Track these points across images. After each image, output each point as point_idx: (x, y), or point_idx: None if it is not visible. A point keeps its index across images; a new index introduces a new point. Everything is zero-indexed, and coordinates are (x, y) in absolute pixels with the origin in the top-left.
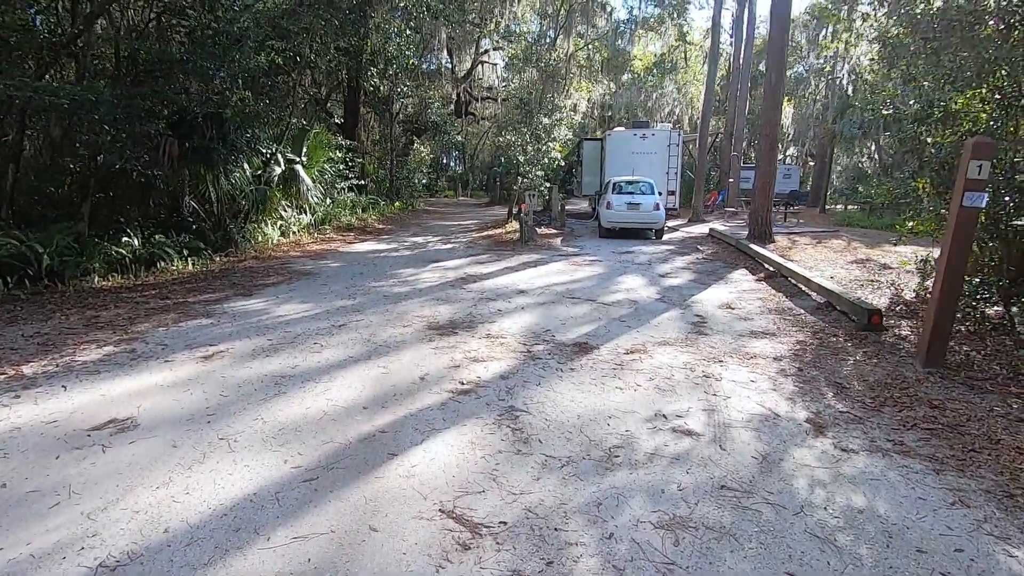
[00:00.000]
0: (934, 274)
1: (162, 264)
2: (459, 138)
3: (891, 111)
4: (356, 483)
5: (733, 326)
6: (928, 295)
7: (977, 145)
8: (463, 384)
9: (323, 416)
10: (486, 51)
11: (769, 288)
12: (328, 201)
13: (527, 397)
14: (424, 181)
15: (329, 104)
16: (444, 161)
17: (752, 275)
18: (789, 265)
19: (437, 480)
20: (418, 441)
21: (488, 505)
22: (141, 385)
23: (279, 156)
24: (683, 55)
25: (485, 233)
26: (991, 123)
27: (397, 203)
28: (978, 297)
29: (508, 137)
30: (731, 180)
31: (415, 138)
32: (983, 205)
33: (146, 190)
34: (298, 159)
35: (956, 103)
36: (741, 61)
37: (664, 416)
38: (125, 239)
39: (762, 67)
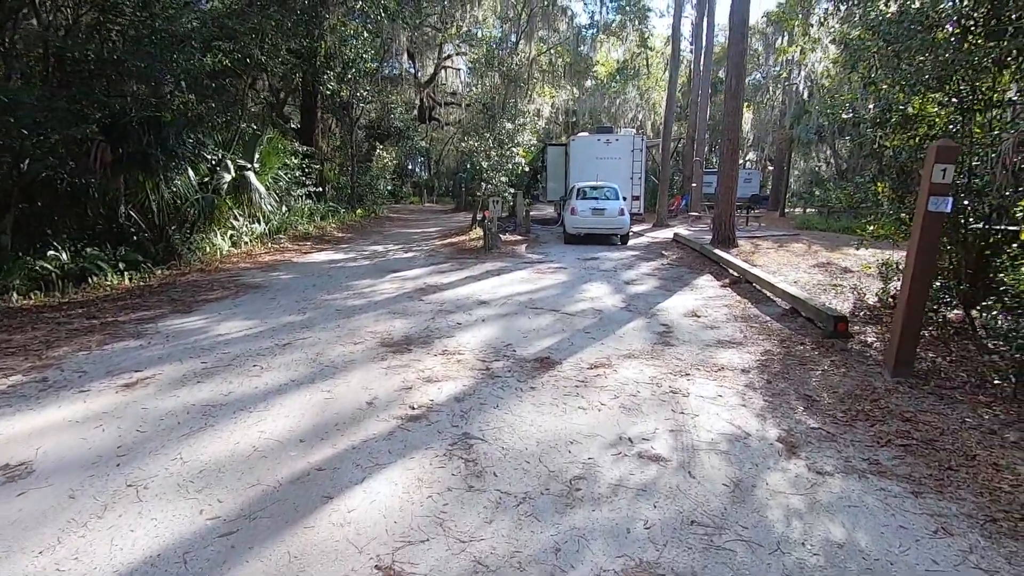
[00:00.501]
0: (897, 279)
1: (94, 279)
2: (423, 144)
3: (850, 115)
4: (281, 536)
5: (700, 335)
6: (891, 300)
7: (941, 149)
8: (414, 409)
9: (253, 452)
10: (449, 56)
11: (734, 294)
12: (283, 209)
13: (483, 422)
14: (388, 187)
15: (287, 109)
16: (409, 167)
17: (717, 281)
18: (754, 271)
19: (376, 527)
20: (358, 479)
21: (432, 558)
22: (46, 421)
23: (228, 162)
24: (645, 62)
25: (448, 241)
26: (949, 127)
27: (359, 210)
28: (939, 301)
29: (471, 142)
30: (694, 185)
31: (378, 144)
32: (948, 210)
33: (78, 199)
34: (250, 165)
35: (913, 107)
36: (701, 68)
37: (629, 440)
38: (51, 253)
39: (721, 74)
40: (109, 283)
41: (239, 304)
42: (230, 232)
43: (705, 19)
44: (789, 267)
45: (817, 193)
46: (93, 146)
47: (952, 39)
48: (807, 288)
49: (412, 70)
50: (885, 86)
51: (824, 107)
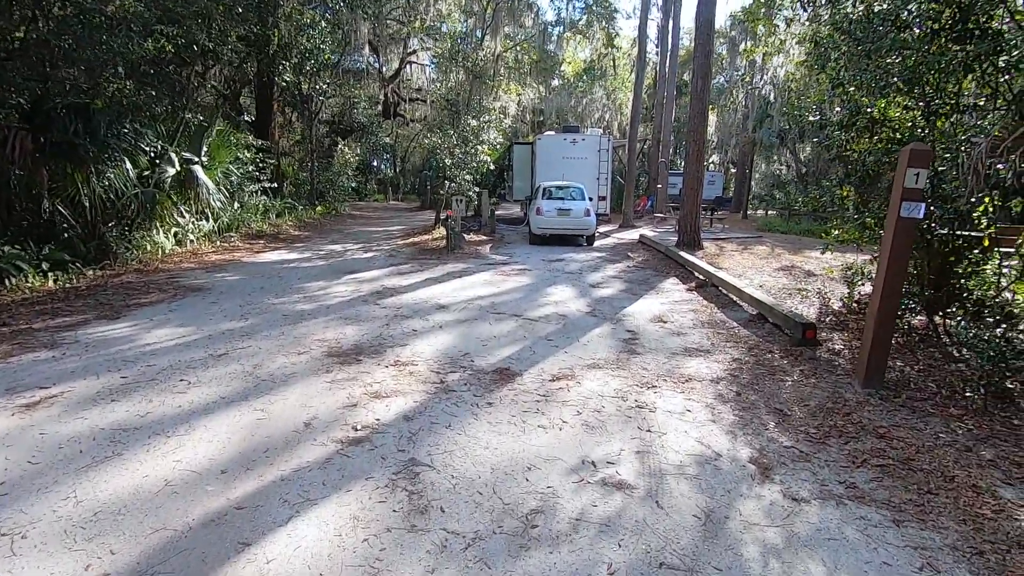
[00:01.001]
0: (863, 283)
1: (11, 281)
2: (387, 140)
3: (817, 118)
4: None
5: (666, 343)
6: (856, 305)
7: (914, 152)
8: (357, 430)
9: (163, 488)
10: (414, 51)
11: (701, 298)
12: (235, 206)
13: (433, 445)
14: (352, 185)
15: (244, 101)
16: (375, 164)
17: (683, 284)
18: (720, 274)
19: None
20: (283, 519)
21: None
22: None
23: (172, 155)
24: (612, 62)
25: (410, 240)
26: (916, 131)
27: (320, 207)
28: (904, 307)
29: (434, 139)
30: (659, 186)
31: (339, 139)
32: (921, 216)
33: None
34: (197, 159)
35: (878, 110)
36: (667, 70)
37: (592, 464)
38: None
39: (687, 76)
40: (29, 285)
41: (175, 308)
42: (175, 229)
43: (671, 21)
44: (754, 270)
45: (778, 196)
46: (11, 134)
47: (920, 41)
48: (772, 292)
49: (376, 64)
50: (853, 88)
51: (790, 109)
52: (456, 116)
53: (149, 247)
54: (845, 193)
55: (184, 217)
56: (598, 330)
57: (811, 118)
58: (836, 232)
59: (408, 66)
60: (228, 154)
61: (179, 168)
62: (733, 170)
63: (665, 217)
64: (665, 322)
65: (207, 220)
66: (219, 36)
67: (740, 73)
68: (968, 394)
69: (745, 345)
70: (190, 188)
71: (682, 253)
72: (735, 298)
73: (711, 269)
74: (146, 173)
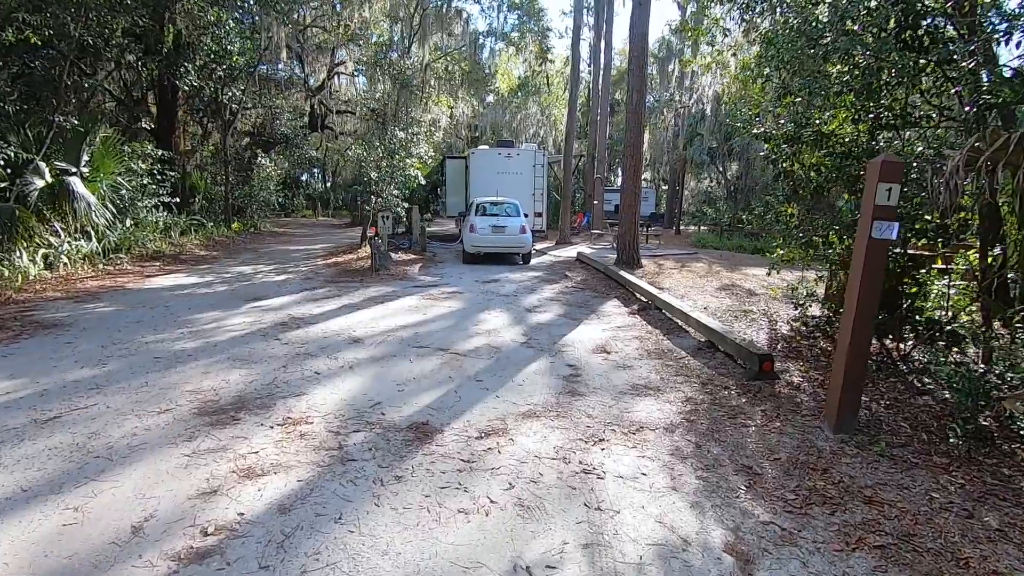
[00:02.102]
0: (811, 305)
1: None
2: (313, 153)
3: (762, 130)
4: None
5: (611, 379)
6: (804, 328)
7: (886, 165)
8: (207, 534)
9: None
10: (342, 62)
11: (644, 323)
12: (127, 223)
13: (313, 554)
14: (279, 200)
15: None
16: (304, 178)
17: (625, 307)
18: (663, 296)
19: None
20: None
21: None
22: None
23: (41, 165)
24: (545, 80)
25: (332, 260)
26: (868, 144)
27: (235, 224)
28: None
29: (358, 151)
30: (596, 202)
31: (259, 151)
32: (895, 236)
33: None
34: (75, 169)
35: (827, 124)
36: (600, 88)
37: (527, 570)
38: None
39: (619, 96)
40: None
41: (13, 352)
42: (44, 251)
43: (602, 41)
44: (695, 290)
45: (709, 212)
46: None
47: (870, 46)
48: (718, 315)
49: (302, 74)
50: (800, 98)
51: (733, 120)
52: (383, 127)
53: (7, 272)
54: (789, 211)
55: (59, 236)
56: (535, 365)
57: (755, 131)
58: (781, 251)
59: (336, 77)
60: (116, 165)
61: (50, 180)
62: (664, 187)
63: (602, 233)
64: (609, 353)
65: (89, 240)
66: (98, 28)
67: (669, 93)
68: (950, 439)
69: (697, 380)
70: (65, 203)
71: (622, 272)
72: (681, 323)
73: (653, 291)
74: (2, 186)
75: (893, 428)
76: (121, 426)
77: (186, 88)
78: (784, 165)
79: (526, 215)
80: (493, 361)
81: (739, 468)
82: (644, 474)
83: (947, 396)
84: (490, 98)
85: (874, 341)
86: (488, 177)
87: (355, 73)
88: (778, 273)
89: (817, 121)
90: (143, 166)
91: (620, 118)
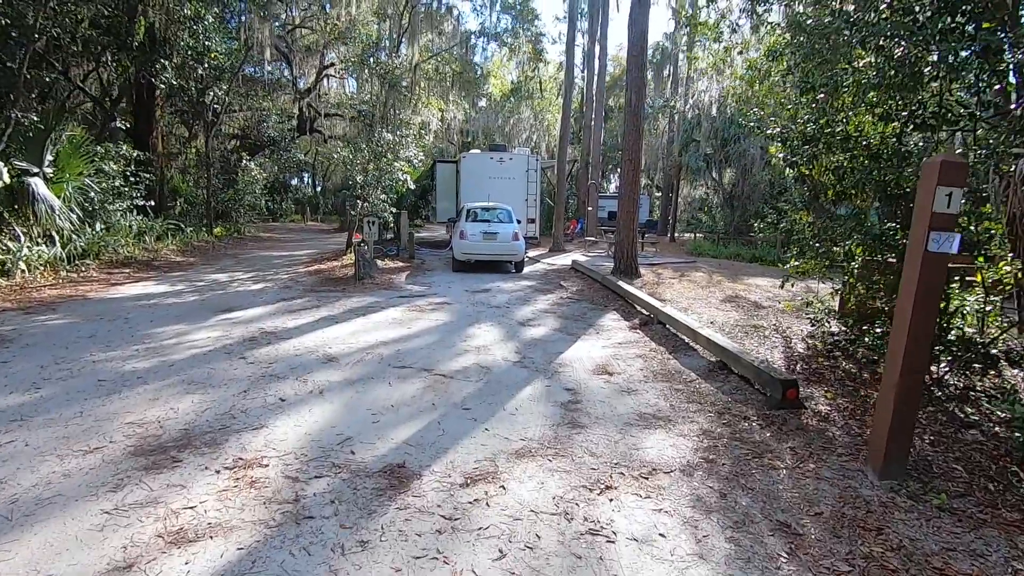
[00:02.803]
0: (829, 322)
1: None
2: (301, 156)
3: (777, 130)
4: None
5: (616, 406)
6: (819, 345)
7: (946, 167)
8: None
9: None
10: (332, 64)
11: (648, 340)
12: (98, 227)
13: None
14: (266, 204)
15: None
16: (294, 182)
17: (625, 321)
18: (667, 311)
19: None
20: None
21: None
22: None
23: None
24: (539, 85)
25: (316, 267)
26: (899, 146)
27: (218, 229)
28: (875, 349)
29: (344, 153)
30: (590, 209)
31: (244, 154)
32: (955, 250)
33: None
34: (37, 169)
35: (852, 123)
36: (594, 91)
37: None
38: None
39: (611, 102)
40: None
41: None
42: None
43: (597, 45)
44: (699, 302)
45: (704, 219)
46: None
47: (908, 35)
48: (725, 329)
49: (290, 76)
50: (823, 94)
51: (742, 120)
52: (369, 128)
53: None
54: (805, 218)
55: (18, 241)
56: (529, 389)
57: (769, 131)
58: (795, 262)
59: (326, 79)
60: (84, 165)
61: (8, 181)
62: (658, 194)
63: (596, 240)
64: (611, 374)
65: (52, 244)
66: (58, 16)
67: (664, 98)
68: (1019, 488)
69: (712, 408)
70: (26, 205)
71: (621, 283)
72: (688, 340)
73: (656, 303)
74: None
75: (946, 472)
76: (36, 471)
77: (162, 86)
78: (802, 169)
79: (519, 221)
80: (483, 384)
81: (775, 526)
82: (663, 535)
83: (998, 431)
84: (483, 102)
85: None
86: (480, 182)
87: (344, 75)
88: (792, 286)
89: (841, 119)
90: (115, 167)
91: (614, 123)
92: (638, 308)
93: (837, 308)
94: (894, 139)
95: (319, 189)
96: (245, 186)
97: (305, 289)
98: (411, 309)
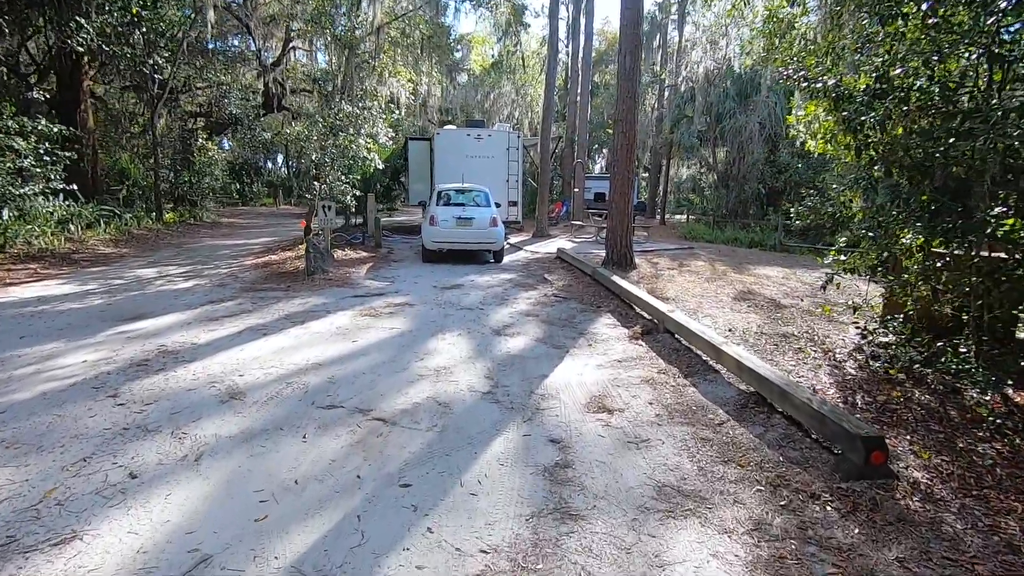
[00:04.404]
0: (883, 331)
1: None
2: (267, 135)
3: (831, 84)
4: None
5: (622, 472)
6: (887, 368)
7: None
8: None
9: None
10: (298, 34)
11: (654, 355)
12: (5, 215)
13: None
14: (235, 187)
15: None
16: (269, 165)
17: (623, 327)
18: (677, 317)
19: None
20: None
21: None
22: None
23: None
24: (521, 61)
25: (266, 258)
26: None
27: (169, 215)
28: (952, 371)
29: (296, 128)
30: (576, 190)
31: (201, 132)
32: None
33: None
34: None
35: (940, 72)
36: (580, 65)
37: None
38: None
39: (597, 78)
40: None
41: None
42: None
43: (583, 15)
44: (708, 300)
45: (695, 200)
46: None
47: None
48: (747, 338)
49: (253, 48)
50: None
51: (784, 63)
52: (327, 100)
53: None
54: (854, 199)
55: None
56: (500, 443)
57: (818, 84)
58: (841, 256)
59: (293, 52)
60: None
61: None
62: (644, 174)
63: (583, 225)
64: (611, 411)
65: None
66: None
67: (652, 73)
68: None
69: (761, 474)
70: None
71: (615, 278)
72: (707, 357)
73: (661, 306)
74: None
75: None
76: None
77: (80, 48)
78: (867, 135)
79: (498, 204)
80: (435, 435)
81: None
82: None
83: None
84: (463, 78)
85: (988, 392)
86: (456, 161)
87: (312, 48)
88: (837, 288)
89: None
90: (24, 144)
91: (599, 101)
92: (638, 310)
93: (881, 312)
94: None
95: (294, 171)
96: (203, 167)
97: (242, 288)
98: (363, 314)
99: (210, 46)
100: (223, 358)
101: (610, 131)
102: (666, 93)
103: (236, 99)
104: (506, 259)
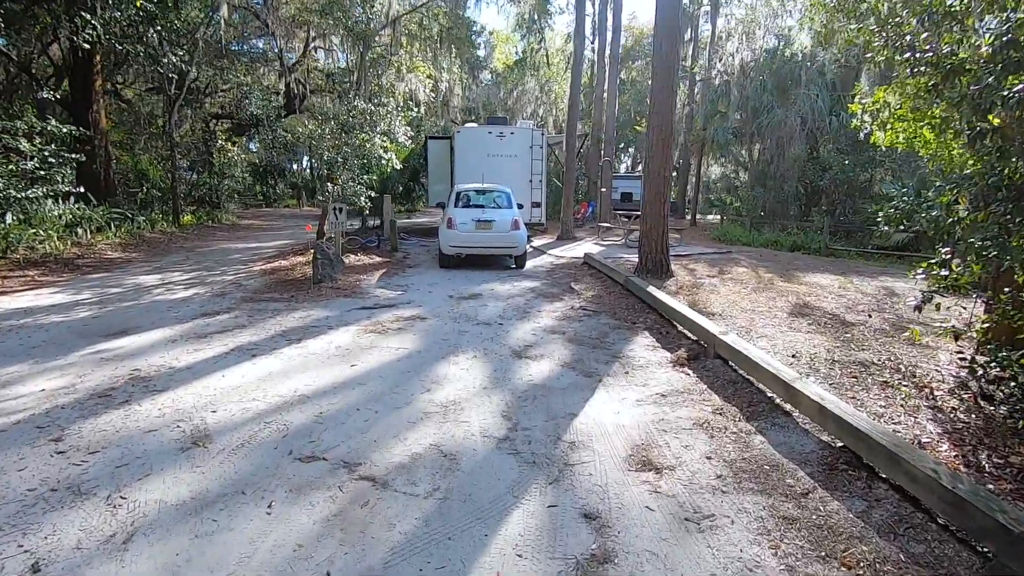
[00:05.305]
0: (995, 365)
1: None
2: (288, 136)
3: (946, 50)
4: None
5: (684, 572)
6: (981, 400)
7: None
8: None
9: None
10: (323, 34)
11: (705, 387)
12: (8, 219)
13: None
14: (261, 188)
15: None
16: (294, 167)
17: (664, 349)
18: (730, 341)
19: None
20: None
21: None
22: None
23: None
24: (545, 58)
25: (277, 263)
26: None
27: (187, 217)
28: None
29: (309, 126)
30: (603, 190)
31: (220, 133)
32: None
33: None
34: None
35: None
36: (607, 58)
37: None
38: None
39: (624, 75)
40: None
41: None
42: None
43: (610, 11)
44: (760, 316)
45: (729, 200)
46: None
47: None
48: (817, 366)
49: (276, 50)
50: None
51: (866, 35)
52: (341, 97)
53: None
54: (963, 202)
55: None
56: (517, 521)
57: (899, 56)
58: (941, 271)
59: (314, 51)
60: None
61: None
62: (673, 173)
63: (611, 227)
64: (659, 470)
65: None
66: None
67: (685, 66)
68: None
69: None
70: None
71: (651, 289)
72: (772, 392)
73: (710, 326)
74: None
75: None
76: None
77: (86, 45)
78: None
79: (520, 206)
80: (435, 504)
81: None
82: None
83: None
84: (486, 75)
85: None
86: (477, 160)
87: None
88: (937, 309)
89: None
90: (29, 146)
91: (626, 98)
92: (680, 328)
93: (978, 336)
94: None
95: (318, 173)
96: (223, 168)
97: (243, 298)
98: (367, 330)
99: (234, 48)
100: (199, 387)
101: (638, 128)
102: (696, 88)
103: (257, 100)
104: (529, 264)
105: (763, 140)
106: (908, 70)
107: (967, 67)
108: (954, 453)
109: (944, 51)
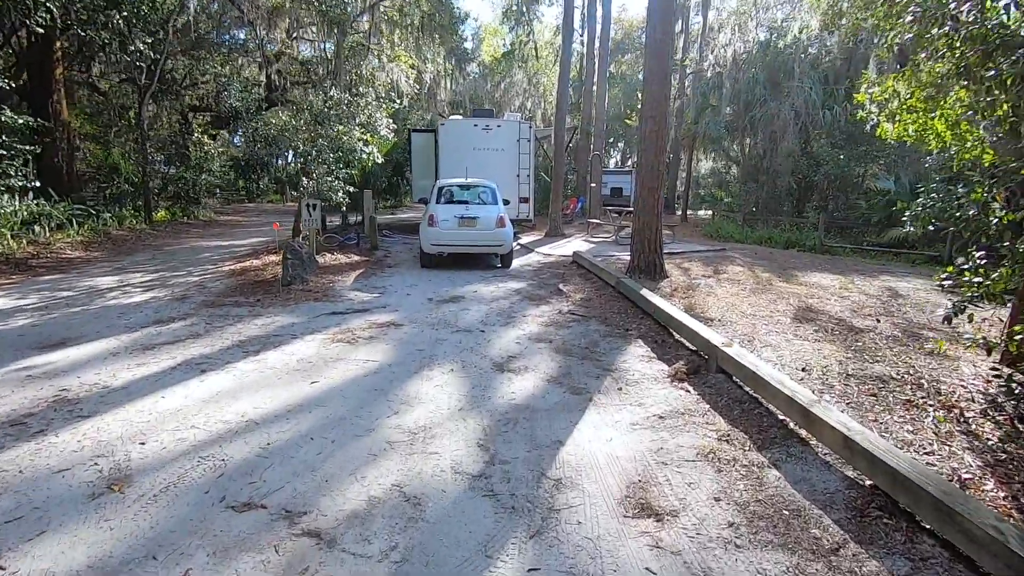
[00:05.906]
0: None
1: None
2: (267, 129)
3: (993, 23)
4: None
5: None
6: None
7: None
8: None
9: None
10: (299, 21)
11: (708, 408)
12: None
13: None
14: (243, 183)
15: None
16: (279, 162)
17: (661, 361)
18: (734, 354)
19: None
20: None
21: None
22: None
23: None
24: (534, 51)
25: (245, 264)
26: None
27: (160, 213)
28: None
29: (282, 117)
30: (593, 185)
31: (196, 126)
32: None
33: None
34: None
35: None
36: (596, 51)
37: None
38: None
39: (613, 68)
40: None
41: None
42: None
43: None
44: (763, 322)
45: (720, 195)
46: None
47: None
48: (832, 383)
49: (256, 40)
50: None
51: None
52: (314, 87)
53: None
54: (999, 198)
55: None
56: None
57: (933, 29)
58: (974, 277)
59: (296, 41)
60: None
61: None
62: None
63: (600, 223)
64: (659, 517)
65: None
66: None
67: (676, 59)
68: None
69: None
70: None
71: (644, 292)
72: (783, 415)
73: (711, 336)
74: None
75: None
76: None
77: (39, 29)
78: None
79: (507, 201)
80: (391, 569)
81: None
82: None
83: None
84: (472, 68)
85: None
86: (463, 153)
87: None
88: (970, 321)
89: None
90: None
91: (616, 92)
92: (679, 337)
93: (1005, 347)
94: None
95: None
96: (200, 162)
97: (204, 302)
98: (335, 339)
99: (212, 37)
100: (132, 412)
101: (628, 122)
102: (687, 81)
103: (237, 91)
104: (515, 263)
105: (755, 134)
106: (943, 47)
107: (1013, 42)
108: (1003, 493)
109: (991, 24)
